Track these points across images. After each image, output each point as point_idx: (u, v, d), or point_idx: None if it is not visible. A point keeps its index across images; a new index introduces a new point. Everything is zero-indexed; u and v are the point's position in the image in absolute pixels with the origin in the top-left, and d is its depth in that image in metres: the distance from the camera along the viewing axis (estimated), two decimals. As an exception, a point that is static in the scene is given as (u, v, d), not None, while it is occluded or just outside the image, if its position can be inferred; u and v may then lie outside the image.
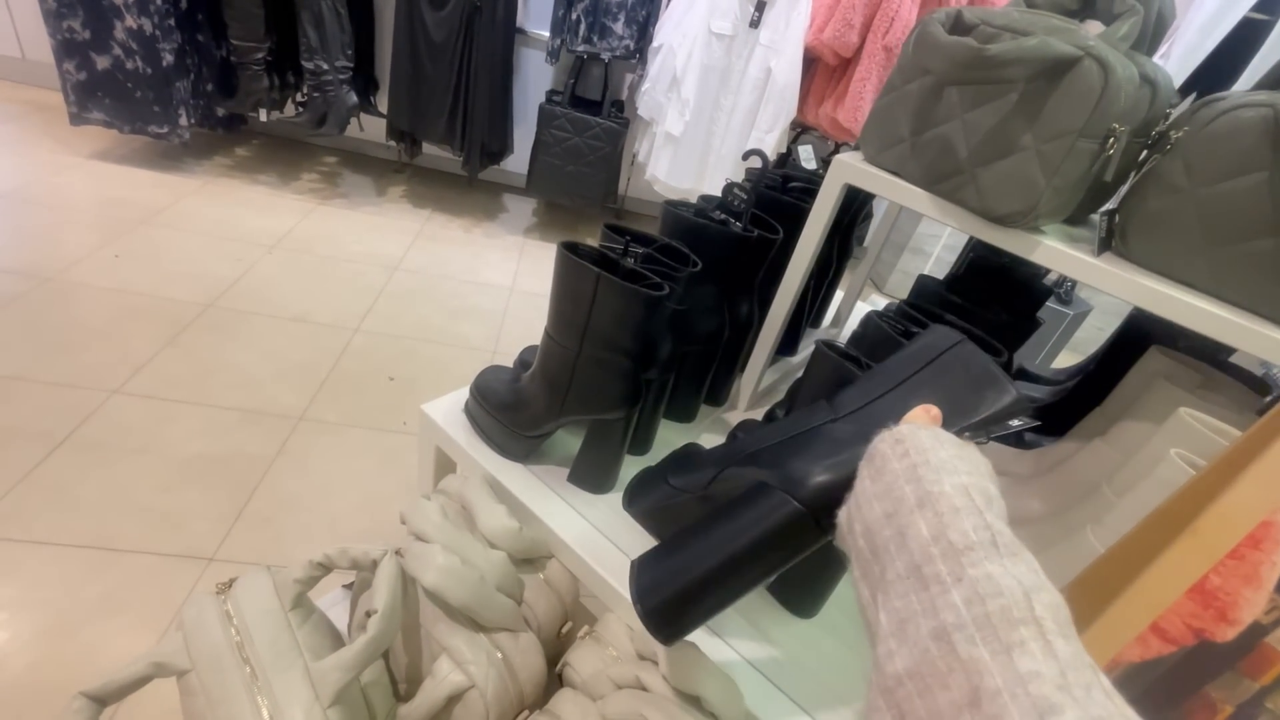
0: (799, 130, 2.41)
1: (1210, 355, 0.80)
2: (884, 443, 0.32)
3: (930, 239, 2.87)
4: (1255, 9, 1.87)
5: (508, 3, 2.27)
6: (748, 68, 2.29)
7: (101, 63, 2.04)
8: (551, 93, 2.56)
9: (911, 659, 0.23)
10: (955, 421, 0.38)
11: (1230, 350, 0.87)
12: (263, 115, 2.32)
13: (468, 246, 2.47)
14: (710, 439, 0.85)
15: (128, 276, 1.78)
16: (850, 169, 0.71)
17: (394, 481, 1.43)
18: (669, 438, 0.83)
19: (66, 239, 1.86)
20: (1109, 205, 0.66)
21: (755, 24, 2.21)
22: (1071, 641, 0.22)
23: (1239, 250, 0.56)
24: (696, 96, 2.31)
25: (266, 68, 2.19)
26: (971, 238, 1.00)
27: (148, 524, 1.20)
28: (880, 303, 1.30)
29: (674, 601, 0.45)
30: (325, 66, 2.15)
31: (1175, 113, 0.63)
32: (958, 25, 0.61)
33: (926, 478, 0.28)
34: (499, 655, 0.57)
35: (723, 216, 0.74)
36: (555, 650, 0.66)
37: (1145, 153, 0.63)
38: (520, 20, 2.46)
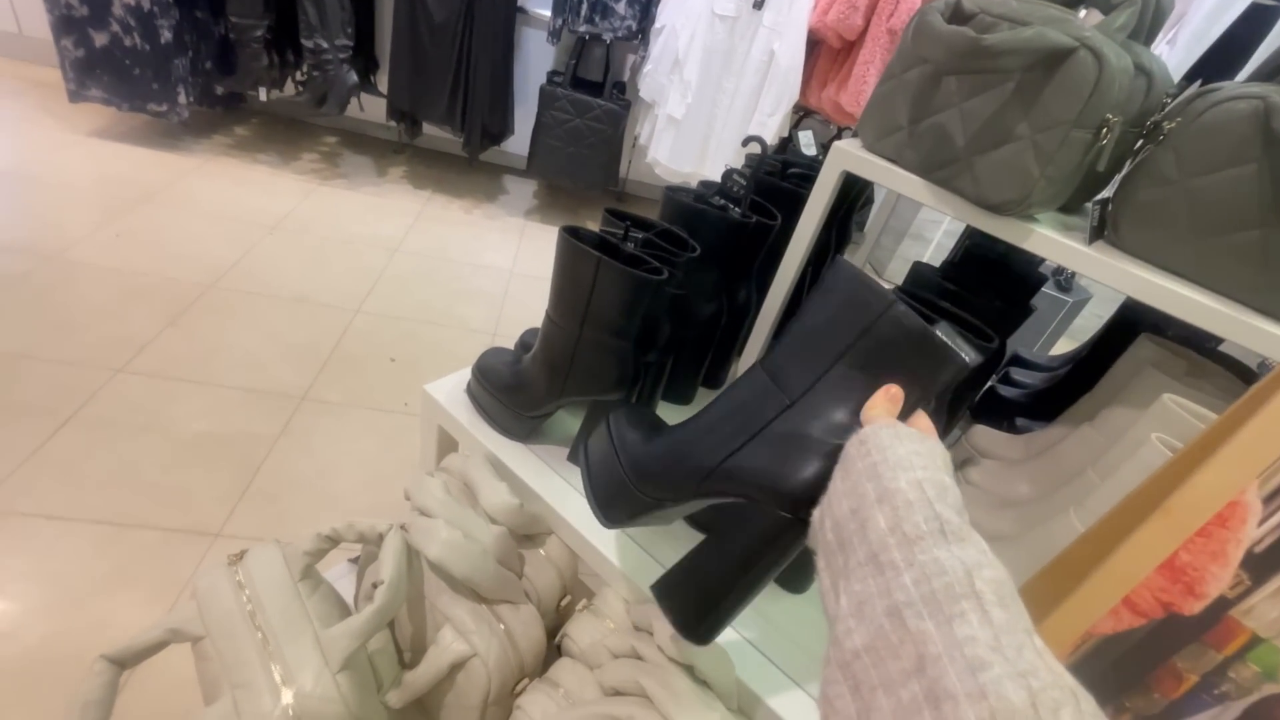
0: (801, 114, 2.40)
1: (1199, 344, 0.81)
2: (851, 444, 0.35)
3: (931, 225, 2.87)
4: (1264, -6, 1.85)
5: (509, -18, 2.25)
6: (751, 50, 2.27)
7: (99, 39, 2.02)
8: (552, 74, 2.54)
9: (868, 635, 0.26)
10: (912, 397, 0.40)
11: (1219, 339, 0.89)
12: (262, 94, 2.30)
13: (468, 228, 2.47)
14: (707, 421, 0.87)
15: (129, 256, 1.79)
16: (848, 156, 0.72)
17: (396, 461, 1.45)
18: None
19: (67, 217, 1.86)
20: (1102, 194, 0.67)
21: (759, 5, 2.19)
22: (1010, 609, 0.25)
23: (1226, 241, 0.57)
24: (699, 79, 2.29)
25: (266, 46, 2.17)
26: (968, 226, 1.01)
27: (154, 500, 1.22)
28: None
29: (709, 620, 0.49)
30: (325, 45, 2.13)
31: (1173, 103, 0.64)
32: (956, 14, 0.62)
33: (885, 475, 0.31)
34: (500, 626, 0.59)
35: (722, 202, 0.75)
36: (554, 623, 0.68)
37: (1139, 143, 0.64)
38: (521, 0, 2.44)
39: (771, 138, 2.29)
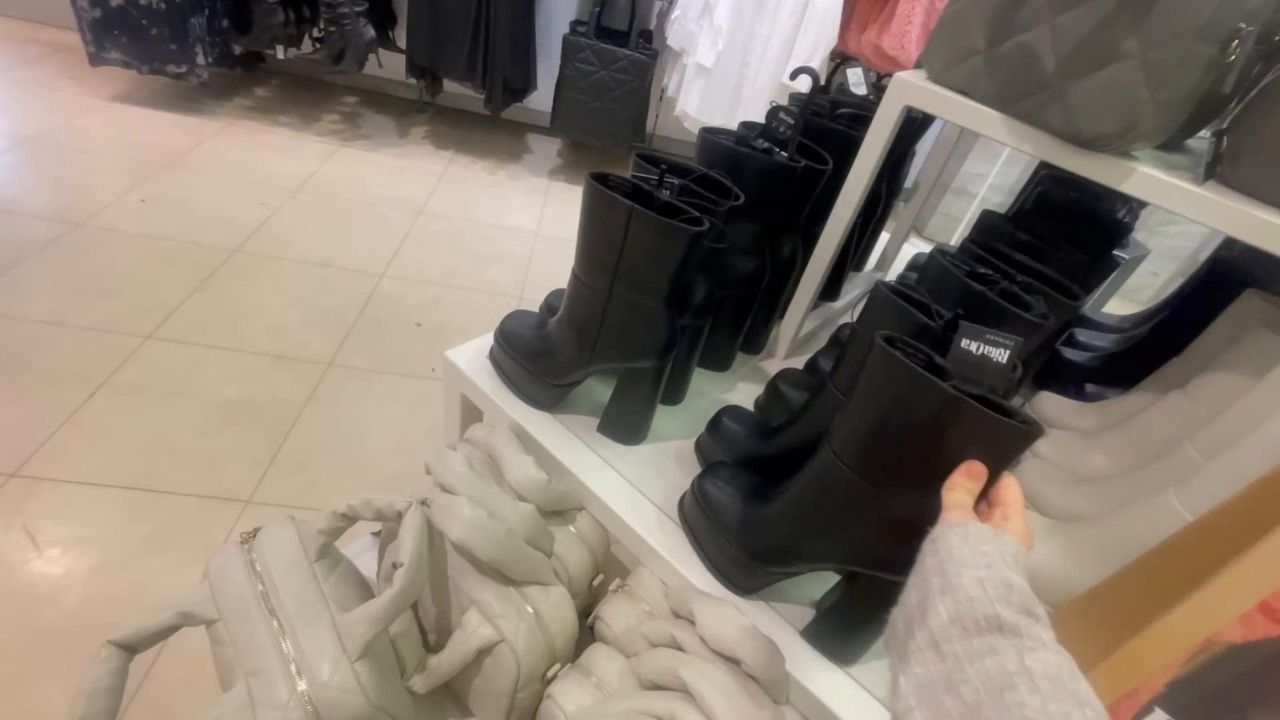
0: (839, 60, 2.24)
1: (1313, 299, 0.71)
2: (925, 543, 0.37)
3: (976, 179, 2.70)
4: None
5: (529, -76, 2.12)
6: (786, -10, 2.12)
7: (115, -1, 1.98)
8: (576, 23, 2.41)
9: (929, 713, 0.29)
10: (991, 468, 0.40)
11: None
12: (279, 52, 2.24)
13: (492, 189, 2.40)
14: (747, 388, 0.81)
15: (156, 221, 1.77)
16: (912, 88, 0.63)
17: (424, 427, 1.42)
18: (703, 387, 0.79)
19: (95, 183, 1.85)
20: (1215, 125, 0.58)
21: (796, -61, 2.03)
22: (1058, 683, 0.28)
23: (1377, 175, 0.48)
24: (730, 24, 2.15)
25: (281, 2, 2.11)
26: (1039, 168, 0.91)
27: (187, 466, 1.22)
28: (922, 248, 1.21)
29: None
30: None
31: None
32: (1052, -92, 0.52)
33: (949, 571, 0.34)
34: (529, 609, 0.56)
35: (766, 145, 0.67)
36: (587, 603, 0.64)
37: (1262, 63, 0.54)
38: (543, -57, 2.31)
39: (806, 84, 2.15)
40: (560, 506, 0.63)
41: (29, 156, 1.89)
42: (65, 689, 0.91)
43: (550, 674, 0.56)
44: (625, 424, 0.67)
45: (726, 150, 0.65)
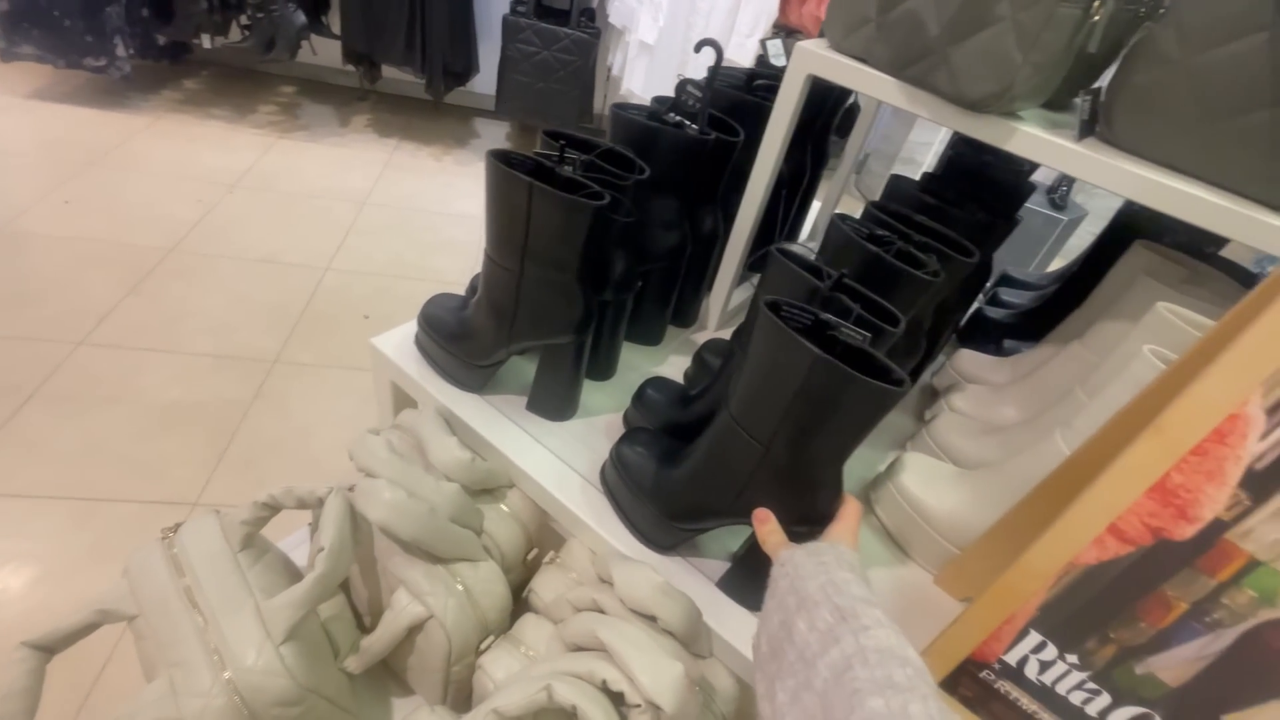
0: (782, 33, 2.25)
1: (1198, 249, 0.76)
2: (775, 569, 0.42)
3: (922, 147, 2.75)
4: None
5: (460, -101, 2.06)
6: (725, -37, 2.11)
7: (22, -12, 1.87)
8: (516, 2, 2.37)
9: (798, 712, 0.33)
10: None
11: (1220, 244, 0.83)
12: (205, 41, 2.15)
13: (438, 176, 2.36)
14: (678, 361, 0.83)
15: (81, 223, 1.70)
16: (812, 57, 0.64)
17: (375, 420, 1.41)
18: (634, 361, 0.81)
19: (11, 185, 1.76)
20: (1094, 85, 0.60)
21: (731, -89, 2.02)
22: (886, 653, 0.32)
23: (1234, 125, 0.51)
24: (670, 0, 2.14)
25: (203, -13, 2.02)
26: (954, 135, 0.93)
27: (128, 472, 1.19)
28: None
29: None
30: (266, -18, 1.97)
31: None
32: (929, -124, 0.54)
33: (799, 587, 0.38)
34: (458, 585, 0.57)
35: (677, 119, 0.68)
36: (522, 577, 0.66)
37: (1133, 24, 0.57)
38: (476, -80, 2.25)
39: (751, 59, 2.15)
40: (489, 484, 0.64)
41: (-61, 160, 1.79)
42: (8, 703, 0.89)
43: (484, 646, 0.57)
44: (552, 401, 0.68)
45: (638, 125, 0.66)
